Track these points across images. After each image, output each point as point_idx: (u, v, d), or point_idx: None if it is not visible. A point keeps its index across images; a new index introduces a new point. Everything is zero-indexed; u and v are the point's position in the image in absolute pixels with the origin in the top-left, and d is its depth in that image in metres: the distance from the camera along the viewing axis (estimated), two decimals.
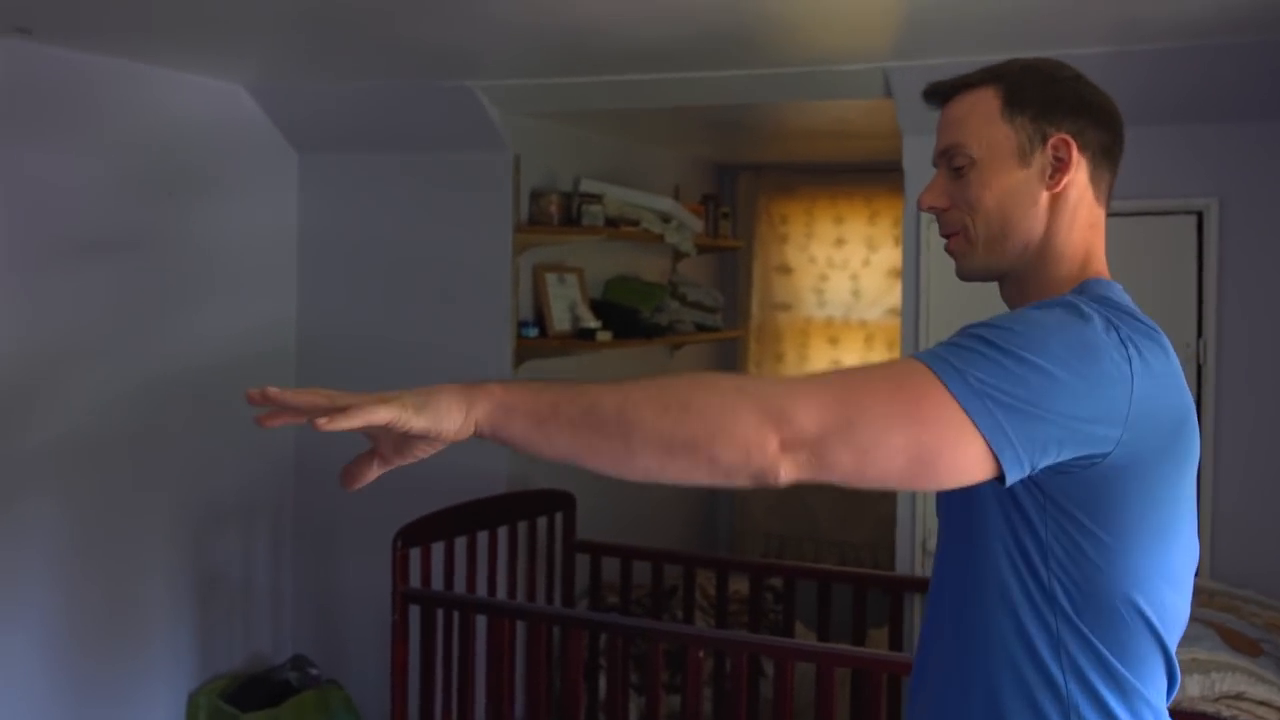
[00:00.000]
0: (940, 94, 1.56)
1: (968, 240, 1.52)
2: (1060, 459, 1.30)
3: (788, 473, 1.24)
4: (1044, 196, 1.49)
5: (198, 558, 4.03)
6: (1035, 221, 1.49)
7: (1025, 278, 1.52)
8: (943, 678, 1.49)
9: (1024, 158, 1.48)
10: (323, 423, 1.26)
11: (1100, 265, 1.53)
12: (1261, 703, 2.70)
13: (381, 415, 1.26)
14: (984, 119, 1.50)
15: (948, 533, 1.52)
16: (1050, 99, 1.50)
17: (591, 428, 1.26)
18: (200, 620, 4.05)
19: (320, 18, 3.07)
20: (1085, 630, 1.37)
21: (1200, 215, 3.47)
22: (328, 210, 4.35)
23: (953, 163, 1.52)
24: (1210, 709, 2.73)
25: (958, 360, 1.28)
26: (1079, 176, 1.50)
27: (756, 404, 1.24)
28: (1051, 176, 1.49)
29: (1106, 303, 1.42)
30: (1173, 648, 1.43)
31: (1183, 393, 1.41)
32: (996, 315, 1.38)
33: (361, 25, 3.15)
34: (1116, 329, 1.35)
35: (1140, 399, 1.32)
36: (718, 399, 1.24)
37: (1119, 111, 1.55)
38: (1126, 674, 1.38)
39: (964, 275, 1.56)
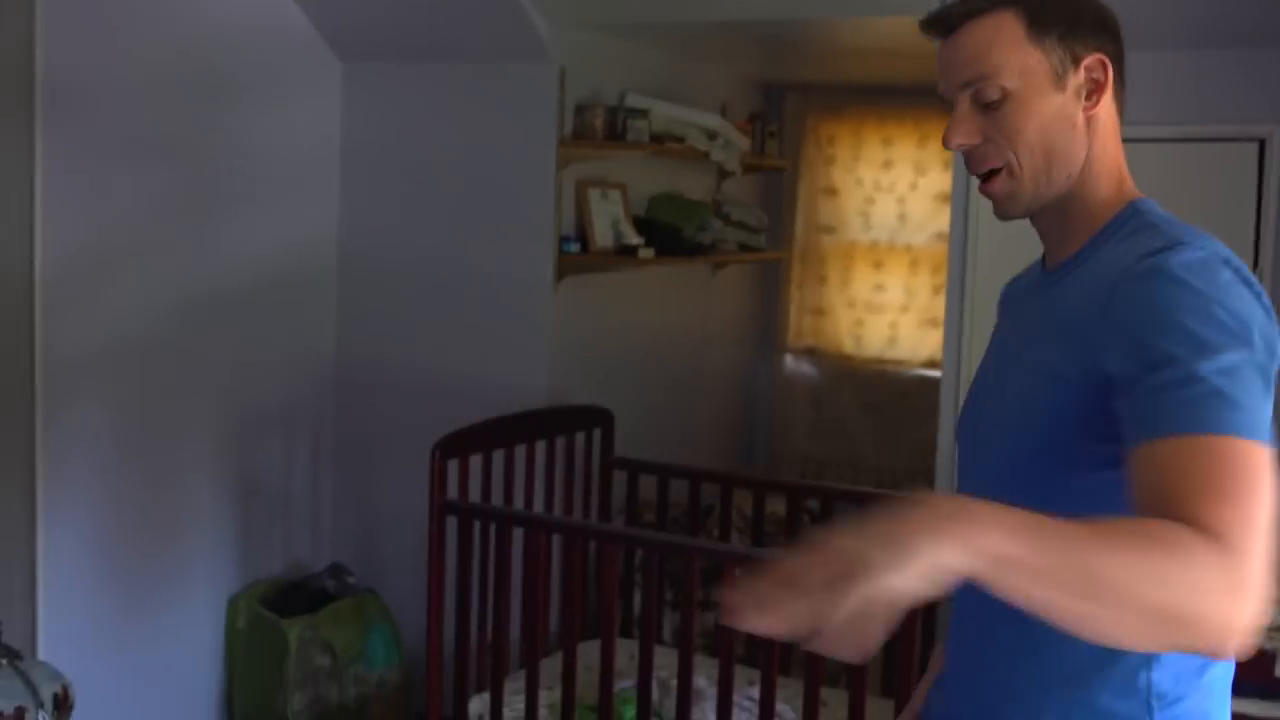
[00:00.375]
0: (947, 23, 1.47)
1: (1012, 176, 1.45)
2: None
3: (1242, 645, 1.09)
4: (1081, 119, 1.44)
5: (239, 466, 4.07)
6: (1078, 146, 1.44)
7: (1068, 206, 1.47)
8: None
9: (1059, 81, 1.43)
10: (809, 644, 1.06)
11: (1130, 181, 1.49)
12: None
13: (853, 594, 1.03)
14: (1011, 45, 1.42)
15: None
16: (1073, 17, 1.44)
17: (1084, 593, 1.06)
18: (241, 527, 4.10)
19: None
20: None
21: (1262, 143, 3.38)
22: (371, 121, 4.32)
23: (982, 96, 1.43)
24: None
25: (1247, 407, 1.19)
26: (1109, 95, 1.46)
27: (1222, 576, 1.07)
28: (1088, 97, 1.44)
29: (1189, 232, 1.37)
30: None
31: None
32: (1195, 314, 1.25)
33: None
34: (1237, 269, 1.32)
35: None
36: (1196, 573, 1.07)
37: (1118, 26, 1.49)
38: None
39: (1008, 215, 1.49)
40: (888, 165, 5.70)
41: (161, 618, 3.84)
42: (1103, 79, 1.44)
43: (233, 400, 4.01)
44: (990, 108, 1.44)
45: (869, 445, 5.79)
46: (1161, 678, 1.37)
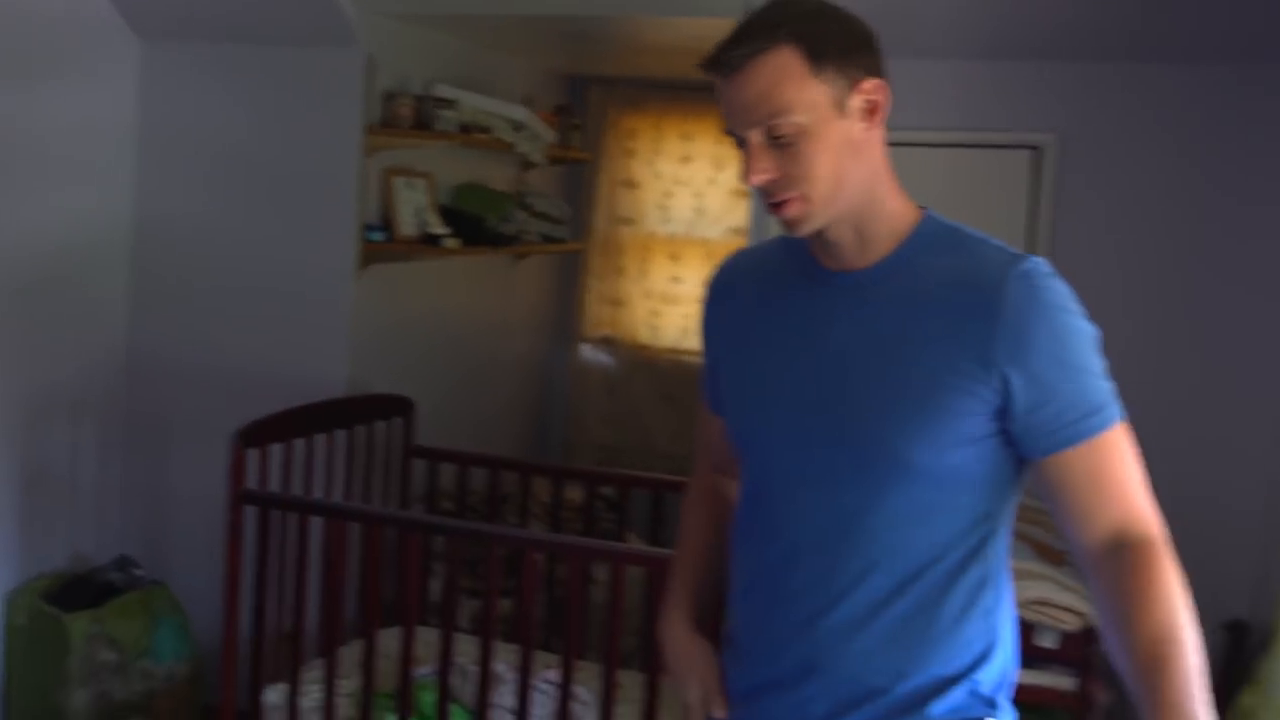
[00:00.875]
0: (730, 64, 1.50)
1: (807, 202, 1.52)
2: None
3: None
4: (863, 140, 1.52)
5: (22, 453, 3.91)
6: (862, 165, 1.53)
7: (860, 217, 1.56)
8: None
9: (841, 108, 1.50)
10: None
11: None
12: (1064, 608, 2.89)
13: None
14: (796, 81, 1.47)
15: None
16: (844, 44, 1.50)
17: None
18: (22, 517, 3.93)
19: None
20: None
21: (1038, 149, 3.61)
22: (171, 102, 4.19)
23: (774, 132, 1.49)
24: (1017, 613, 2.91)
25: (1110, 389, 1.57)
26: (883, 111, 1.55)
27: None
28: (867, 118, 1.52)
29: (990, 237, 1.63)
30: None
31: None
32: (1072, 334, 1.56)
33: None
34: None
35: None
36: (1177, 590, 1.51)
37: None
38: None
39: (802, 234, 1.57)
40: (686, 160, 5.84)
41: None
42: (879, 99, 1.53)
43: (15, 385, 3.85)
44: (782, 141, 1.50)
45: (663, 433, 5.93)
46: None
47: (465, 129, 4.38)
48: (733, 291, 1.76)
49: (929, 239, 1.58)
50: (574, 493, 4.45)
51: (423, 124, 4.23)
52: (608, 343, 6.04)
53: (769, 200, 1.55)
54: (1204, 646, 1.49)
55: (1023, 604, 2.92)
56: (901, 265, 1.57)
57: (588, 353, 6.06)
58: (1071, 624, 2.90)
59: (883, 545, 1.57)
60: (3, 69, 3.68)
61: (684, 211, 5.86)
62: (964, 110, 3.63)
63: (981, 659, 1.62)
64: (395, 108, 4.14)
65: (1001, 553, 1.64)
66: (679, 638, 1.82)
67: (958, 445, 1.53)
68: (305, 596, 3.47)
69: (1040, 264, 1.56)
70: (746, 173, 1.54)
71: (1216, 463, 3.50)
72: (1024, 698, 2.96)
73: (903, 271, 1.57)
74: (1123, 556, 1.51)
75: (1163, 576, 1.49)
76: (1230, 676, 3.25)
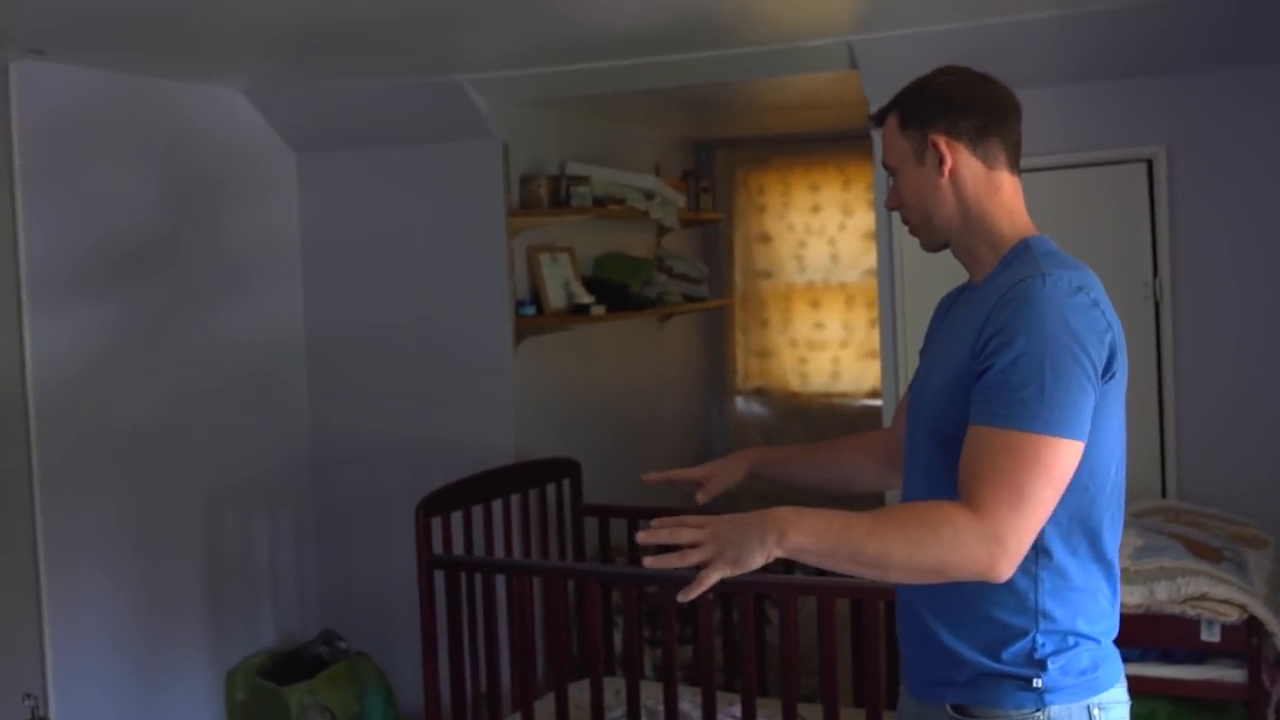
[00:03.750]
0: (875, 120, 2.02)
1: (911, 225, 1.97)
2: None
3: (1009, 573, 1.67)
4: (943, 182, 1.90)
5: (228, 544, 4.26)
6: (944, 203, 1.91)
7: (965, 243, 1.93)
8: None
9: (919, 158, 1.92)
10: (680, 597, 1.75)
11: (1025, 220, 1.91)
12: (1223, 601, 2.95)
13: (715, 577, 1.69)
14: (893, 137, 1.95)
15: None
16: (923, 109, 1.92)
17: (860, 564, 1.67)
18: (232, 603, 4.28)
19: (311, 25, 3.28)
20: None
21: (1150, 163, 3.70)
22: (327, 207, 4.57)
23: (890, 172, 1.98)
24: (1178, 610, 2.98)
25: (1036, 408, 1.67)
26: (963, 158, 1.89)
27: (979, 538, 1.64)
28: (939, 166, 1.90)
29: (1061, 263, 1.80)
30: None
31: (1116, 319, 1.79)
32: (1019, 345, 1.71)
33: (351, 30, 3.36)
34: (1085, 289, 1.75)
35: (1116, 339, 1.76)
36: (950, 536, 1.64)
37: (992, 94, 1.92)
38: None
39: (924, 249, 2.01)
40: (816, 209, 6.01)
41: (162, 695, 4.00)
42: (943, 152, 1.89)
43: (215, 482, 4.21)
44: (896, 179, 1.96)
45: None
46: (1044, 599, 1.78)
47: (599, 202, 4.64)
48: (936, 320, 2.12)
49: (1012, 260, 1.87)
50: None
51: (559, 202, 4.50)
52: (760, 393, 6.21)
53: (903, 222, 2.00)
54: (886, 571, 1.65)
55: (1182, 601, 2.99)
56: (991, 281, 1.88)
57: (742, 404, 6.24)
58: (1232, 615, 2.95)
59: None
60: (180, 193, 4.08)
61: (819, 259, 6.02)
62: (1074, 132, 3.74)
63: (1038, 616, 1.78)
64: (533, 189, 4.42)
65: (1054, 540, 1.77)
66: (733, 455, 2.34)
67: (964, 416, 1.76)
68: (497, 655, 3.69)
69: (1056, 280, 1.74)
70: (887, 200, 2.03)
71: None
72: (1195, 692, 3.04)
73: (987, 285, 1.87)
74: (944, 500, 1.71)
75: (941, 508, 1.67)
76: None
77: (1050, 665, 1.75)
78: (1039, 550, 1.74)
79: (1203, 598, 2.96)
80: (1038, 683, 1.75)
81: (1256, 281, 3.63)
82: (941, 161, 1.89)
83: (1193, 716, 3.12)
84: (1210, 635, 3.00)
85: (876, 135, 2.08)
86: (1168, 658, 3.06)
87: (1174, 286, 3.69)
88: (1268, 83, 3.58)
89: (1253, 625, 2.95)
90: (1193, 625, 2.99)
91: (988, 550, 1.63)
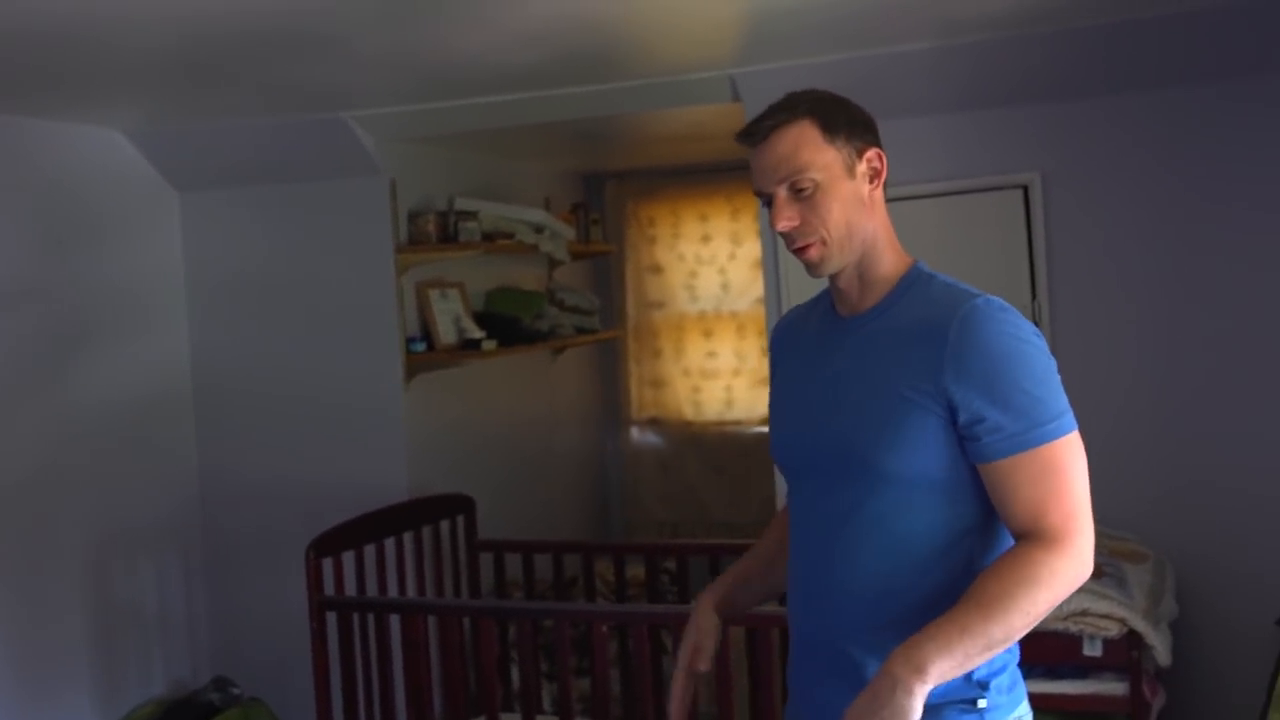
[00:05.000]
0: (758, 134, 1.86)
1: (825, 246, 1.84)
2: None
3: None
4: (876, 196, 1.87)
5: (115, 591, 4.15)
6: (868, 219, 1.86)
7: (863, 267, 1.88)
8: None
9: (850, 171, 1.85)
10: None
11: (899, 245, 1.91)
12: (1104, 616, 3.03)
13: None
14: (813, 147, 1.83)
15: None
16: (851, 121, 1.87)
17: (994, 650, 1.70)
18: (119, 651, 4.17)
19: (192, 63, 3.24)
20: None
21: (1025, 189, 3.81)
22: (213, 247, 4.50)
23: (796, 187, 1.83)
24: (1060, 626, 3.06)
25: (1045, 418, 1.73)
26: (883, 178, 1.89)
27: (1068, 564, 1.71)
28: (871, 181, 1.87)
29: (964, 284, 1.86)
30: None
31: None
32: (1019, 367, 1.76)
33: (233, 68, 3.32)
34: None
35: None
36: (1047, 576, 1.69)
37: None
38: None
39: (820, 274, 1.89)
40: (706, 239, 6.07)
41: None
42: (880, 167, 1.87)
43: (99, 526, 4.10)
44: (803, 195, 1.83)
45: (718, 504, 6.10)
46: None
47: (489, 237, 4.63)
48: (782, 342, 2.09)
49: (910, 285, 1.87)
50: (636, 569, 4.62)
51: (448, 237, 4.49)
52: (655, 423, 6.24)
53: (793, 246, 1.87)
54: (1013, 629, 1.69)
55: (1065, 617, 3.06)
56: (888, 308, 1.87)
57: (637, 434, 6.26)
58: (1113, 630, 3.04)
59: (869, 542, 1.81)
60: (58, 235, 3.99)
61: (711, 289, 6.08)
62: (952, 160, 3.84)
63: None
64: (421, 225, 4.40)
65: (992, 558, 1.81)
66: (698, 608, 2.11)
67: (916, 452, 1.77)
68: (392, 695, 3.65)
69: (991, 302, 1.78)
70: (774, 220, 1.86)
71: (1243, 465, 3.63)
72: (1079, 706, 3.12)
73: (887, 313, 1.87)
74: (1015, 548, 1.75)
75: (1023, 559, 1.70)
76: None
77: (991, 684, 1.79)
78: (976, 573, 1.76)
79: (1084, 614, 3.04)
80: (982, 703, 1.78)
81: (1132, 302, 3.75)
82: (876, 175, 1.87)
83: None
84: (1092, 650, 3.08)
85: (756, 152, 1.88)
86: (1052, 673, 3.14)
87: (1052, 308, 3.80)
88: (1138, 109, 3.72)
89: (1133, 639, 3.04)
90: (1075, 641, 3.07)
91: (1077, 571, 1.72)
